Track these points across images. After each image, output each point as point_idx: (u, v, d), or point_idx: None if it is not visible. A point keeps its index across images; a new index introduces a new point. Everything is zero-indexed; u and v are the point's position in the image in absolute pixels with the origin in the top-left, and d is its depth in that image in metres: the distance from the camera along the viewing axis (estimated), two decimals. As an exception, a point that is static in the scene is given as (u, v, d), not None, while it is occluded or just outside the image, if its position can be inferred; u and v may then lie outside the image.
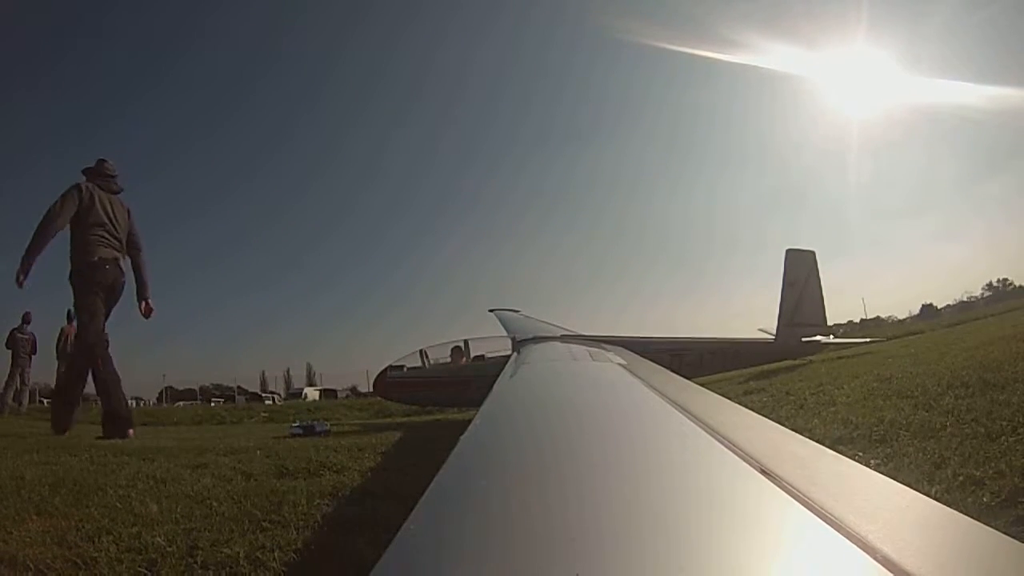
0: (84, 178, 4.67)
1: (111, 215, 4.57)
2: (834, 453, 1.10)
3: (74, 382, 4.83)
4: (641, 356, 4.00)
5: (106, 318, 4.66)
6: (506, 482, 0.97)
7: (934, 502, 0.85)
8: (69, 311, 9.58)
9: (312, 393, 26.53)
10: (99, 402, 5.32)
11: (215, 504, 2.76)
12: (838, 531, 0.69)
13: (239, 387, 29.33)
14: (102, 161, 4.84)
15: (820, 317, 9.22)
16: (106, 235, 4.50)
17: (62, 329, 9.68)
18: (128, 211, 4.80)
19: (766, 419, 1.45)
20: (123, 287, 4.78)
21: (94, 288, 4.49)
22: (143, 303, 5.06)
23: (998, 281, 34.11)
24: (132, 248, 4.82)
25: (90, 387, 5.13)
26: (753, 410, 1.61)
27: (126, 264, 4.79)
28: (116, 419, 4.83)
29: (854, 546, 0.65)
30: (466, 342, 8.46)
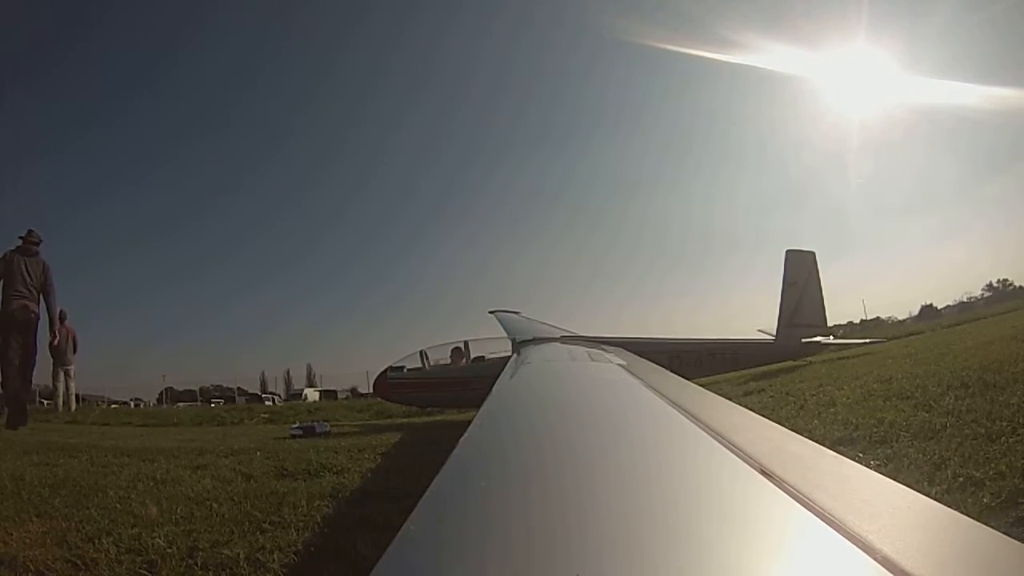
0: (19, 243, 6.47)
1: (26, 274, 6.32)
2: (834, 454, 1.10)
3: (10, 392, 6.36)
4: (641, 357, 4.00)
5: (25, 343, 6.36)
6: (506, 482, 0.97)
7: (934, 502, 0.85)
8: (61, 311, 9.75)
9: (312, 394, 26.49)
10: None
11: (215, 505, 2.76)
12: (838, 531, 0.69)
13: (239, 388, 29.31)
14: (30, 231, 6.51)
15: (820, 318, 9.22)
16: (21, 289, 6.28)
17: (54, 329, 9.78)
18: (43, 266, 6.49)
19: (766, 420, 1.45)
20: (34, 321, 6.45)
21: (8, 331, 6.22)
22: (52, 331, 7.27)
23: (998, 281, 34.01)
24: (45, 294, 6.52)
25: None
26: (753, 411, 1.61)
27: (41, 305, 6.53)
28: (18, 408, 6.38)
29: (854, 546, 0.65)
30: (466, 343, 8.46)
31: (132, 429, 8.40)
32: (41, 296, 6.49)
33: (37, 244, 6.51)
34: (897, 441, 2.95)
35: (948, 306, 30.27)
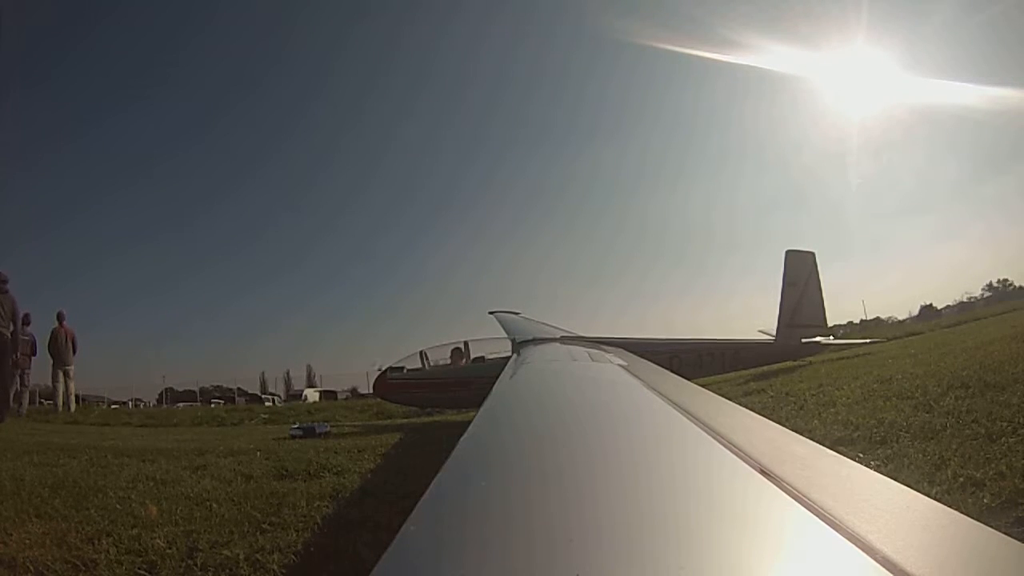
0: None
1: (2, 307, 7.62)
2: (834, 454, 1.11)
3: None
4: (641, 357, 4.00)
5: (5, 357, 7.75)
6: (506, 482, 0.97)
7: (934, 502, 0.85)
8: (60, 312, 9.86)
9: (312, 394, 26.44)
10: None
11: (215, 506, 2.76)
12: (838, 531, 0.69)
13: (239, 388, 29.25)
14: None
15: (820, 318, 9.22)
16: None
17: (53, 330, 9.81)
18: (12, 300, 7.66)
19: (766, 420, 1.45)
20: (8, 344, 7.65)
21: None
22: (16, 350, 8.26)
23: (998, 281, 33.98)
24: (14, 320, 7.76)
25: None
26: (753, 411, 1.61)
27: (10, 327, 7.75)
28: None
29: (854, 546, 0.65)
30: (466, 343, 8.46)
31: (132, 429, 8.39)
32: (13, 323, 7.75)
33: (6, 282, 7.77)
34: (897, 441, 2.95)
35: (948, 306, 30.23)
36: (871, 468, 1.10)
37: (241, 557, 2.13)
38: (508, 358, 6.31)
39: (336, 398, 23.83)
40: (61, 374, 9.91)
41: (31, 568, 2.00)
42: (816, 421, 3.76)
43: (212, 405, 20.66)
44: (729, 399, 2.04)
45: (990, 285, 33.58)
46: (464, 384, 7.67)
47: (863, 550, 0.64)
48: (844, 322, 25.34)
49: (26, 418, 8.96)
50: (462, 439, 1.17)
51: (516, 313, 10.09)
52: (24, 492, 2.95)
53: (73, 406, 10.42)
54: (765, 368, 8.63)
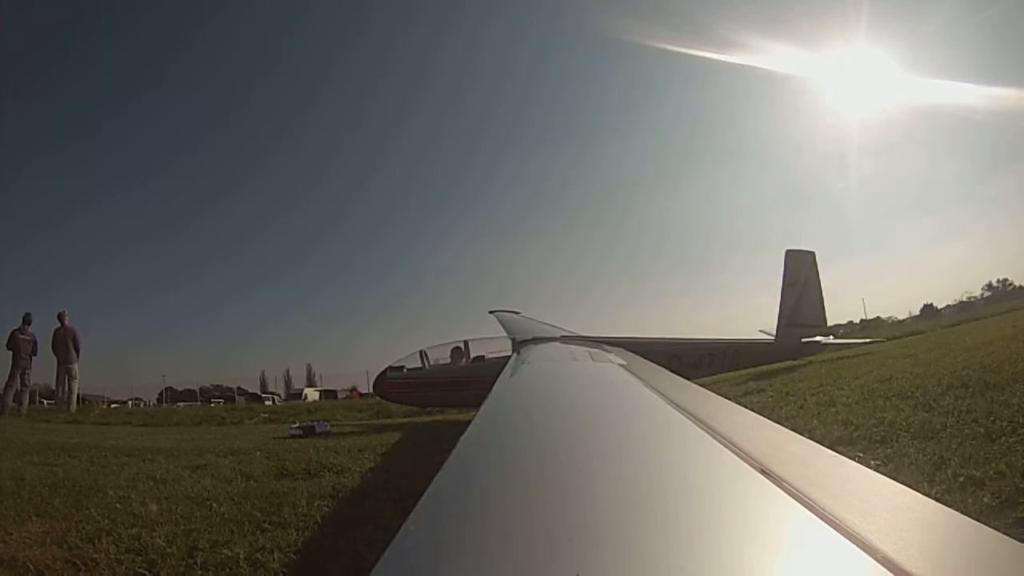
0: None
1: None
2: (834, 453, 1.11)
3: None
4: (641, 357, 4.00)
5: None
6: (506, 482, 0.97)
7: (934, 502, 0.85)
8: (61, 312, 9.94)
9: (312, 394, 26.46)
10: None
11: (215, 505, 2.77)
12: (838, 531, 0.69)
13: (239, 388, 29.25)
14: None
15: (820, 318, 9.21)
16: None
17: (55, 330, 9.81)
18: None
19: (766, 419, 1.45)
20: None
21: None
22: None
23: (998, 281, 33.97)
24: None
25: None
26: (753, 410, 1.61)
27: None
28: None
29: (854, 546, 0.65)
30: (466, 343, 8.46)
31: (132, 429, 8.39)
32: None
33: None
34: (897, 441, 2.95)
35: (948, 306, 30.24)
36: (871, 468, 1.10)
37: (241, 556, 2.13)
38: (508, 357, 6.31)
39: (336, 397, 23.83)
40: (64, 374, 9.92)
41: (32, 567, 2.00)
42: (816, 421, 3.76)
43: (212, 404, 20.66)
44: (729, 399, 2.04)
45: (990, 285, 33.59)
46: (464, 383, 7.67)
47: (863, 550, 0.64)
48: (844, 322, 25.32)
49: (26, 417, 8.96)
50: (462, 439, 1.17)
51: (516, 312, 10.09)
52: (24, 491, 2.95)
53: (74, 406, 10.41)
54: (765, 368, 8.63)
